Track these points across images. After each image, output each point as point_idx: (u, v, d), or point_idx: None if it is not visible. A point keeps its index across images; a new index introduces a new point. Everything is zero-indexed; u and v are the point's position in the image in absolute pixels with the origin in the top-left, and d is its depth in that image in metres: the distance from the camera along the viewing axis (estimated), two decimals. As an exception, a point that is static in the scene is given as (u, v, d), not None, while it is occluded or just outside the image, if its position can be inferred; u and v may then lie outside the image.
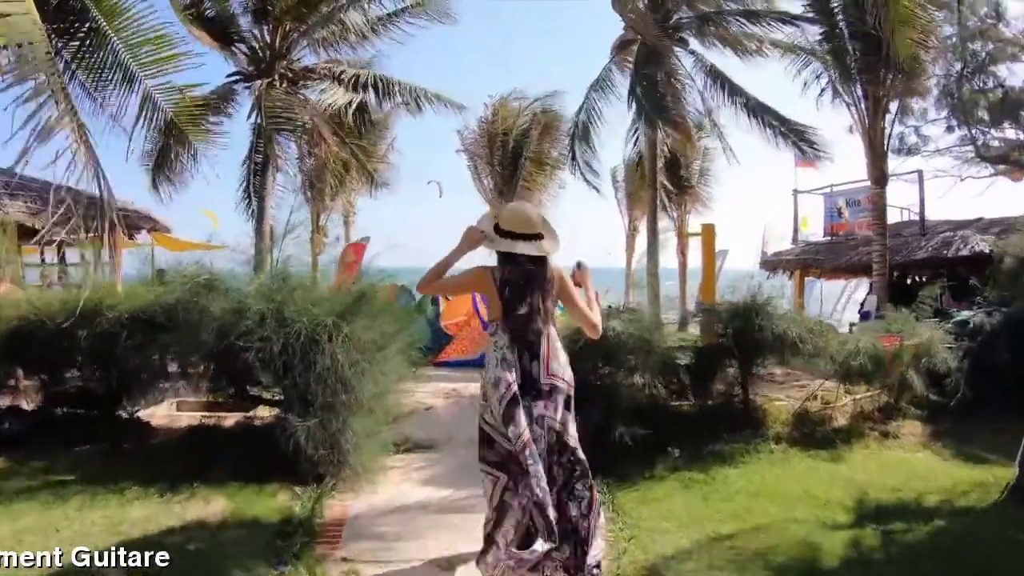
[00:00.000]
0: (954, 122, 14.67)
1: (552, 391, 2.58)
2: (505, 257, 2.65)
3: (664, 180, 12.48)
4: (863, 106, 9.26)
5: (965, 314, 6.86)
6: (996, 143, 14.54)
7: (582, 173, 10.46)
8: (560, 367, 2.64)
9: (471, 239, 2.70)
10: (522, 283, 2.60)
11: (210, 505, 3.49)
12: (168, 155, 8.65)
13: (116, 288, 4.78)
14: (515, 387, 2.50)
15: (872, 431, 5.27)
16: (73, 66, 5.50)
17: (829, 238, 13.92)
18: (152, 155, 8.77)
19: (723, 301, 5.15)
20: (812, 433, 5.00)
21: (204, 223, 12.97)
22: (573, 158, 10.48)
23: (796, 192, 14.54)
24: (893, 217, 11.31)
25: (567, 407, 2.62)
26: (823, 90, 9.82)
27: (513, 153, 14.66)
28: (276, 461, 3.72)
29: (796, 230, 14.69)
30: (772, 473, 4.15)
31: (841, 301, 15.36)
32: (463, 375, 8.21)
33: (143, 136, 5.94)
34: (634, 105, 9.93)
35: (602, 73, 11.00)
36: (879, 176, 9.28)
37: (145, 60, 5.26)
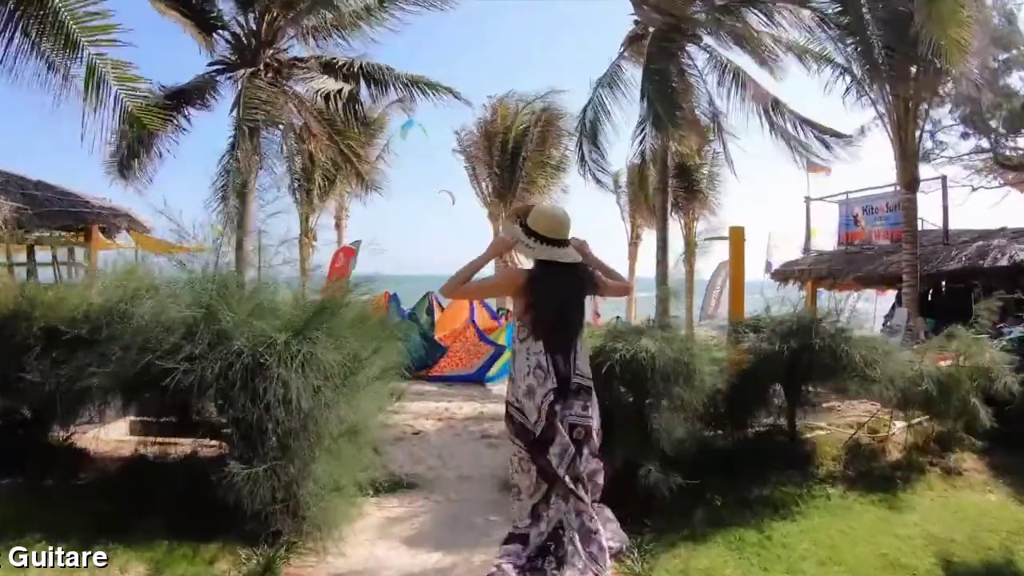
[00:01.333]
0: (969, 129, 14.15)
1: (580, 390, 2.70)
2: (543, 262, 2.63)
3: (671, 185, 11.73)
4: (892, 105, 8.59)
5: (1019, 331, 6.25)
6: (1009, 152, 14.03)
7: (592, 173, 9.68)
8: (583, 363, 2.75)
9: (502, 244, 2.77)
10: (562, 289, 2.59)
11: (126, 574, 2.70)
12: (130, 143, 7.87)
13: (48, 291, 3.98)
14: (551, 397, 2.57)
15: (932, 467, 4.60)
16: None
17: (844, 247, 13.21)
18: (116, 144, 7.98)
19: (762, 316, 4.43)
20: (868, 471, 4.28)
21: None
22: (582, 158, 9.69)
23: (808, 199, 13.85)
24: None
25: (591, 396, 2.76)
26: (848, 88, 9.10)
27: (512, 154, 13.95)
28: (223, 508, 2.95)
29: (808, 239, 13.98)
30: (836, 528, 3.38)
31: (845, 313, 14.61)
32: (458, 392, 7.49)
33: (99, 118, 5.15)
34: (644, 102, 9.18)
35: (610, 69, 10.20)
36: (910, 181, 8.56)
37: (88, 26, 4.51)
